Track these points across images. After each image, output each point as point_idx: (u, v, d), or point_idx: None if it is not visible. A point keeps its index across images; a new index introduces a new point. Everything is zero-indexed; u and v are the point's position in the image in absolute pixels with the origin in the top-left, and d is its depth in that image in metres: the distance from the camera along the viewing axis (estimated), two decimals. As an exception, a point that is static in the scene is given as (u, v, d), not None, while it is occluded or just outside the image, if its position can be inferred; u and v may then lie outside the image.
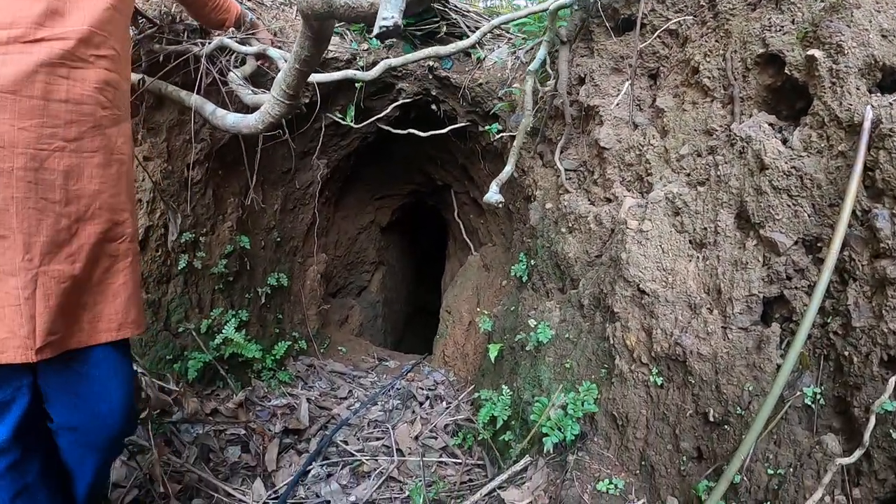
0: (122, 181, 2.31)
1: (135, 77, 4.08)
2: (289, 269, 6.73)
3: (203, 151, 5.02)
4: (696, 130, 3.37)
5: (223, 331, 5.10)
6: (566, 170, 4.40)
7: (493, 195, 4.01)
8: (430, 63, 5.75)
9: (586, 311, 3.77)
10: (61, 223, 2.05)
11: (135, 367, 3.77)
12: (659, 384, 3.12)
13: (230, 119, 3.65)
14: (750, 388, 2.73)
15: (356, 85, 5.66)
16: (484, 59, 5.77)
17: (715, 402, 2.86)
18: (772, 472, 2.61)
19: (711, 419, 2.85)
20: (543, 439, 3.28)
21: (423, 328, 12.72)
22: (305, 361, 6.60)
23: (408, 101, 6.09)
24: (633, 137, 3.80)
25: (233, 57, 4.57)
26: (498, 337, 5.22)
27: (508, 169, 4.28)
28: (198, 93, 4.11)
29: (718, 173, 3.05)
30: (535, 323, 4.15)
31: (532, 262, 4.77)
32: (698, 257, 3.09)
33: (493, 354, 4.90)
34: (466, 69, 5.82)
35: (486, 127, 5.38)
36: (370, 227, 9.10)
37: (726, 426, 2.80)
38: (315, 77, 4.57)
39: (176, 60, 4.27)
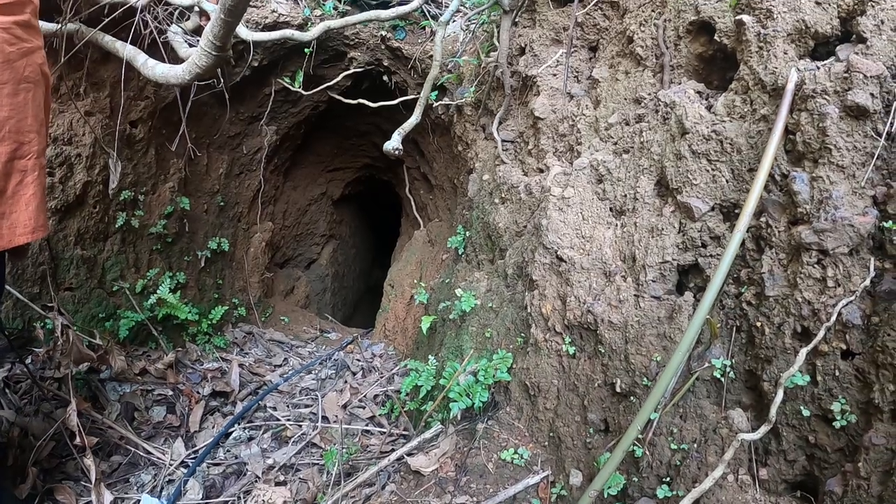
0: (29, 106, 2.48)
1: (72, 27, 4.03)
2: (232, 234, 6.69)
3: (146, 109, 4.97)
4: (626, 99, 3.38)
5: (158, 291, 5.06)
6: (503, 141, 4.41)
7: (393, 142, 4.20)
8: (384, 33, 5.72)
9: (510, 281, 3.79)
10: None
11: (61, 320, 3.76)
12: (571, 353, 3.13)
13: (159, 69, 3.61)
14: (658, 359, 2.72)
15: (305, 50, 5.62)
16: (436, 31, 5.74)
17: (623, 372, 2.85)
18: (675, 447, 2.54)
19: (619, 390, 2.85)
20: (450, 405, 3.29)
21: (375, 306, 12.58)
22: (244, 328, 6.57)
23: (359, 70, 6.08)
24: (567, 108, 3.81)
25: (177, 12, 4.53)
26: (433, 309, 5.21)
27: (413, 120, 4.38)
28: (133, 43, 4.05)
29: (642, 140, 3.06)
30: (461, 293, 4.15)
31: (468, 233, 4.77)
32: (617, 224, 3.10)
33: (425, 326, 4.88)
34: (419, 41, 5.80)
35: (431, 96, 5.35)
36: (321, 200, 9.05)
37: (632, 398, 2.79)
38: (252, 35, 4.55)
39: (114, 13, 4.21)
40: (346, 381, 5.53)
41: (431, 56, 5.55)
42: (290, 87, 5.99)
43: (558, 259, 3.23)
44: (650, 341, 2.78)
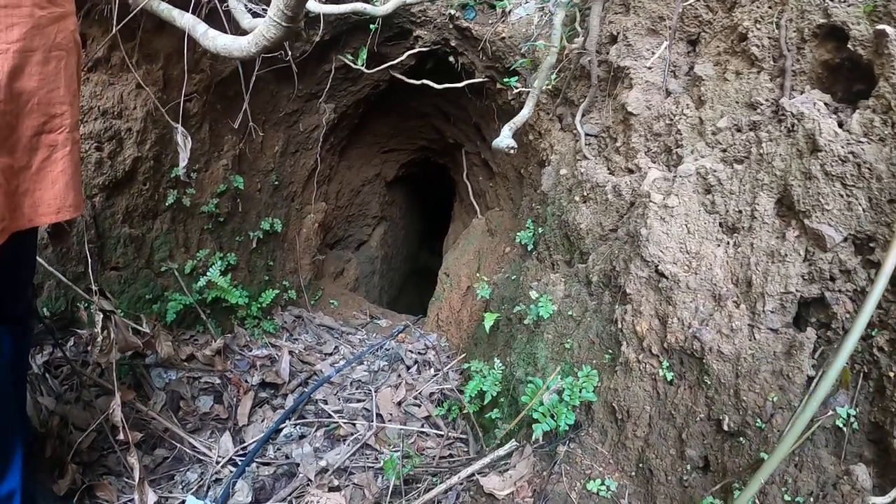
0: (61, 75, 2.32)
1: (129, -7, 3.78)
2: (285, 214, 6.44)
3: (202, 83, 4.72)
4: (737, 103, 3.04)
5: (208, 273, 4.83)
6: (586, 134, 4.09)
7: (505, 139, 3.73)
8: (452, 11, 5.40)
9: (594, 289, 3.48)
10: (5, 120, 2.10)
11: (105, 305, 3.53)
12: (668, 380, 2.83)
13: (221, 41, 3.33)
14: (774, 399, 2.42)
15: (370, 27, 5.32)
16: (510, 12, 5.41)
17: (732, 409, 2.55)
18: (789, 498, 2.30)
19: (726, 428, 2.55)
20: (533, 426, 3.00)
21: (420, 289, 12.48)
22: (294, 312, 6.34)
23: (424, 49, 5.75)
24: (664, 105, 3.48)
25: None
26: (495, 306, 4.94)
27: (525, 113, 3.99)
28: (194, 13, 3.78)
29: (761, 151, 2.73)
30: (537, 295, 3.86)
31: (540, 230, 4.47)
32: (728, 243, 2.78)
33: (488, 324, 4.61)
34: (490, 21, 5.47)
35: (506, 80, 5.02)
36: (375, 181, 8.79)
37: (742, 438, 2.50)
38: (322, 7, 4.26)
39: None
40: (399, 376, 5.28)
41: (503, 38, 5.24)
42: (352, 64, 5.69)
43: (658, 274, 2.91)
44: (765, 378, 2.48)
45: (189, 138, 4.12)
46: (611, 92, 4.03)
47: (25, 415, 3.05)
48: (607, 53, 3.99)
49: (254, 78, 4.94)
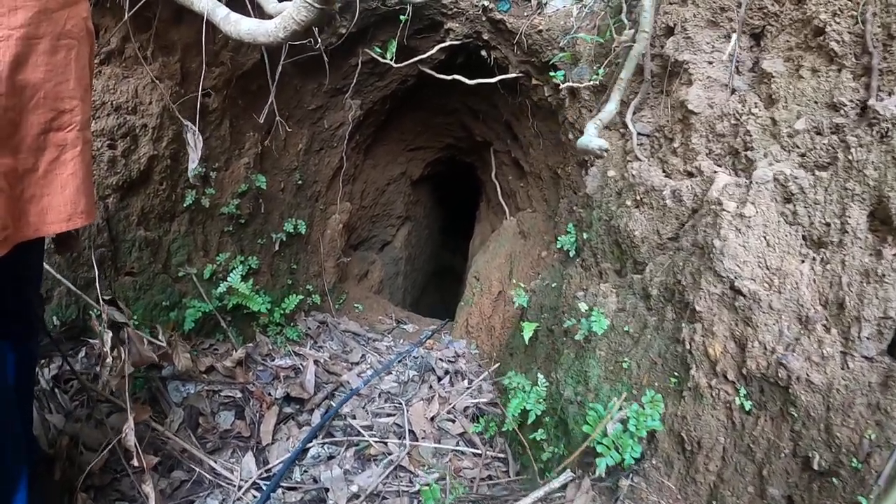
0: (71, 67, 2.11)
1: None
2: (308, 215, 6.16)
3: (222, 77, 4.44)
4: (816, 103, 2.72)
5: (228, 278, 4.55)
6: (639, 133, 3.78)
7: (593, 139, 3.32)
8: (486, 3, 5.09)
9: (654, 303, 3.17)
10: (7, 116, 1.90)
11: (117, 316, 3.27)
12: (746, 409, 2.52)
13: (245, 25, 3.03)
14: (872, 437, 2.12)
15: (400, 18, 5.02)
16: (545, 3, 5.10)
17: (822, 445, 2.25)
18: None
19: (815, 466, 2.24)
20: (597, 460, 2.70)
21: (442, 289, 12.54)
22: (318, 317, 6.07)
23: (456, 43, 5.44)
24: (729, 104, 3.16)
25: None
26: (534, 315, 4.65)
27: (612, 108, 3.63)
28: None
29: (849, 158, 2.41)
30: (587, 308, 3.56)
31: (584, 235, 4.17)
32: (815, 258, 2.46)
33: (526, 334, 4.33)
34: (525, 14, 5.16)
35: (551, 74, 4.69)
36: (400, 180, 8.50)
37: (835, 479, 2.20)
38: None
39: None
40: (431, 387, 5.01)
41: (540, 31, 4.93)
42: (380, 58, 5.40)
43: (734, 291, 2.59)
44: (860, 412, 2.18)
45: (200, 138, 3.84)
46: (666, 88, 3.72)
47: (32, 436, 2.79)
48: (662, 47, 3.68)
49: (280, 68, 4.64)
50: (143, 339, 3.46)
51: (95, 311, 3.67)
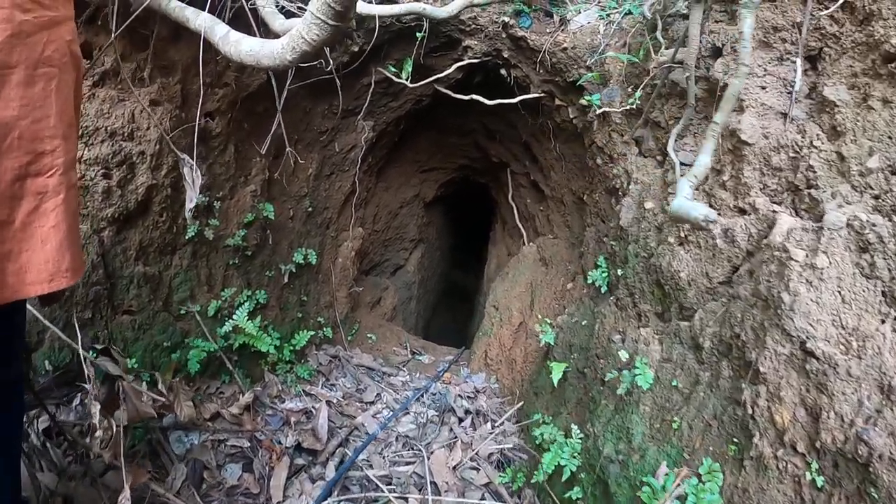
0: (52, 100, 1.83)
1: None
2: (319, 243, 5.86)
3: (226, 99, 4.15)
4: (890, 138, 2.41)
5: (234, 316, 4.25)
6: (681, 164, 3.47)
7: (694, 207, 2.43)
8: (506, 19, 4.80)
9: (706, 356, 2.85)
10: None
11: (110, 368, 2.98)
12: (818, 486, 2.19)
13: (246, 45, 2.72)
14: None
15: (416, 35, 4.73)
16: (569, 20, 4.81)
17: (908, 531, 1.94)
18: None
19: (904, 558, 1.93)
20: (654, 547, 2.38)
21: (454, 309, 12.31)
22: (329, 351, 5.76)
23: (474, 61, 5.15)
24: (786, 134, 2.85)
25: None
26: (561, 353, 4.35)
27: (706, 160, 2.95)
28: (211, 12, 3.19)
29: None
30: (628, 355, 3.26)
31: (618, 271, 3.88)
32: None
33: (556, 376, 4.05)
34: (547, 30, 4.86)
35: (587, 98, 4.38)
36: (413, 202, 8.21)
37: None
38: (378, 9, 3.67)
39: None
40: (451, 430, 4.70)
41: (565, 49, 4.64)
42: (394, 78, 5.12)
43: (805, 353, 2.27)
44: (954, 498, 1.86)
45: (198, 173, 3.51)
46: (711, 114, 3.41)
47: (21, 499, 2.48)
48: (708, 69, 3.38)
49: (286, 91, 4.36)
50: (140, 392, 3.15)
51: (93, 352, 3.39)
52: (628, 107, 3.94)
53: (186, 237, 4.04)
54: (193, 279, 4.20)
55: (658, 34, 3.81)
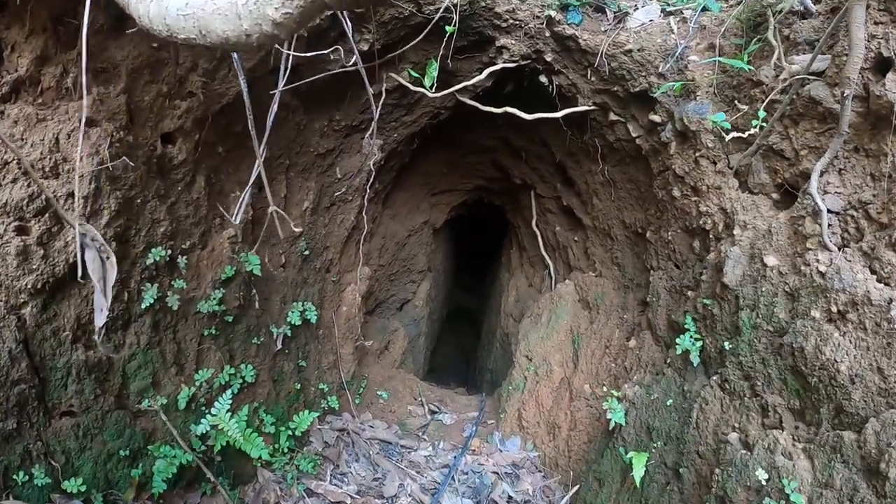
0: None
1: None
2: (318, 292, 4.82)
3: (191, 114, 3.11)
4: None
5: (213, 408, 3.23)
6: (829, 211, 2.51)
7: None
8: (552, 13, 3.78)
9: (886, 486, 2.03)
10: None
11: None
12: None
13: (195, 12, 1.65)
14: None
15: (446, 29, 3.70)
16: (627, 16, 3.82)
17: None
18: None
19: None
20: None
21: (460, 332, 11.73)
22: (336, 425, 4.80)
23: (510, 65, 4.12)
24: None
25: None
26: (636, 437, 3.65)
27: None
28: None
29: None
30: (766, 475, 2.32)
31: (723, 342, 3.02)
32: None
33: (637, 472, 3.37)
34: (602, 28, 3.87)
35: (714, 121, 3.29)
36: (422, 229, 7.22)
37: None
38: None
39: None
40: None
41: (629, 51, 3.72)
42: (410, 86, 4.12)
43: None
44: None
45: (113, 261, 2.49)
46: (867, 147, 2.45)
47: None
48: (866, 86, 2.43)
49: (275, 106, 3.29)
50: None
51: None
52: (752, 130, 2.92)
53: (143, 306, 3.03)
54: (156, 361, 3.19)
55: (771, 35, 2.94)
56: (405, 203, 6.56)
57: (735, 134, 3.02)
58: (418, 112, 4.78)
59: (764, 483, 2.44)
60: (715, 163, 3.30)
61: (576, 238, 5.74)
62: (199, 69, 3.00)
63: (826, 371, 2.36)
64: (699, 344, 3.22)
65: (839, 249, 2.50)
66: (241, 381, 3.64)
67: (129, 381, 3.08)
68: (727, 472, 2.69)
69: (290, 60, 3.14)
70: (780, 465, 2.44)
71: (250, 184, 3.35)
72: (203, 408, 3.35)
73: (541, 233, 6.64)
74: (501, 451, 4.86)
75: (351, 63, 3.51)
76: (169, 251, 3.13)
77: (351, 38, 3.31)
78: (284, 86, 3.20)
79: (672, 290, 3.73)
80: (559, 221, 6.16)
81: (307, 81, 3.51)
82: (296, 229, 4.00)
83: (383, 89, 4.23)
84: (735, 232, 3.07)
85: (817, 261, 2.51)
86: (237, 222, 3.30)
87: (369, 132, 4.48)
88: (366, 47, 3.69)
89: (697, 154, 3.37)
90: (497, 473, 4.44)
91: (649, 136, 3.87)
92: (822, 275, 2.46)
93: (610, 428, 3.78)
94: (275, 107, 3.27)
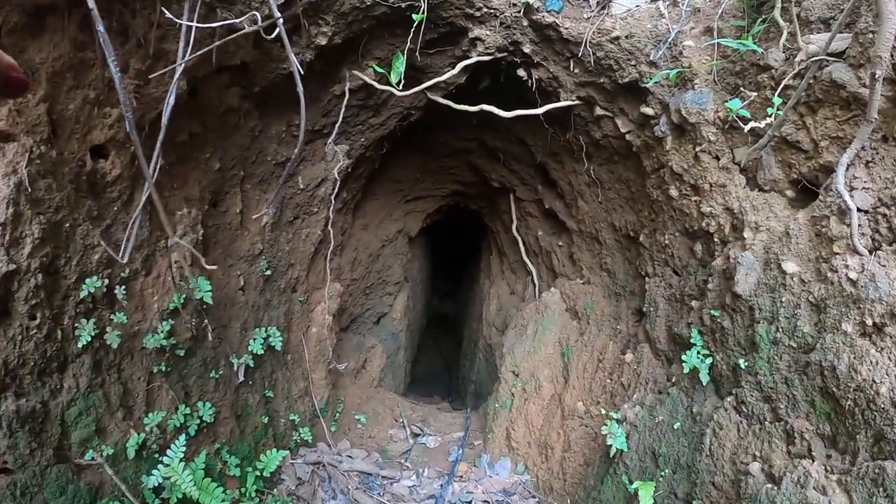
0: None
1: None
2: (284, 315, 4.44)
3: (124, 122, 2.68)
4: None
5: (167, 454, 2.86)
6: (859, 210, 2.18)
7: None
8: (530, 0, 3.42)
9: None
10: None
11: None
12: None
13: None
14: None
15: (412, 17, 3.33)
16: (611, 2, 3.49)
17: None
18: None
19: None
20: None
21: (439, 339, 11.75)
22: (310, 458, 4.43)
23: (485, 58, 3.78)
24: None
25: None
26: (639, 463, 3.35)
27: None
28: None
29: None
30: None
31: (738, 359, 2.73)
32: None
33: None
34: (585, 16, 3.53)
35: (729, 104, 2.94)
36: (397, 239, 6.88)
37: None
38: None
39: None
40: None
41: (616, 39, 3.41)
42: (376, 84, 3.76)
43: None
44: None
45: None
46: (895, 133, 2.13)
47: None
48: (894, 64, 2.09)
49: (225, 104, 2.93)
50: None
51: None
52: (767, 120, 2.59)
53: (80, 345, 2.64)
54: (99, 406, 2.80)
55: (777, 14, 2.70)
56: (377, 212, 6.20)
57: (753, 124, 2.68)
58: (386, 113, 4.42)
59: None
60: (718, 158, 2.97)
61: (560, 243, 5.42)
62: (134, 62, 2.62)
63: (863, 393, 2.07)
64: (709, 361, 2.89)
65: (871, 253, 2.17)
66: (198, 421, 3.26)
67: (70, 430, 2.69)
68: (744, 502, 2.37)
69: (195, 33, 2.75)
70: (813, 502, 2.10)
71: (140, 207, 2.91)
72: (156, 455, 2.97)
73: (522, 238, 6.35)
74: (491, 476, 4.54)
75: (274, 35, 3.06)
76: (106, 280, 2.75)
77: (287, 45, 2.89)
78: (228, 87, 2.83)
79: (672, 299, 3.41)
80: (541, 226, 5.85)
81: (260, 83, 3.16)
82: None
83: (346, 89, 3.88)
84: (745, 235, 2.74)
85: (846, 266, 2.20)
86: (124, 260, 2.86)
87: (332, 136, 4.11)
88: (324, 41, 3.32)
89: (698, 149, 3.04)
90: (488, 502, 4.09)
91: (641, 130, 3.56)
92: (854, 282, 2.15)
93: (611, 455, 3.45)
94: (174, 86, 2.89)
